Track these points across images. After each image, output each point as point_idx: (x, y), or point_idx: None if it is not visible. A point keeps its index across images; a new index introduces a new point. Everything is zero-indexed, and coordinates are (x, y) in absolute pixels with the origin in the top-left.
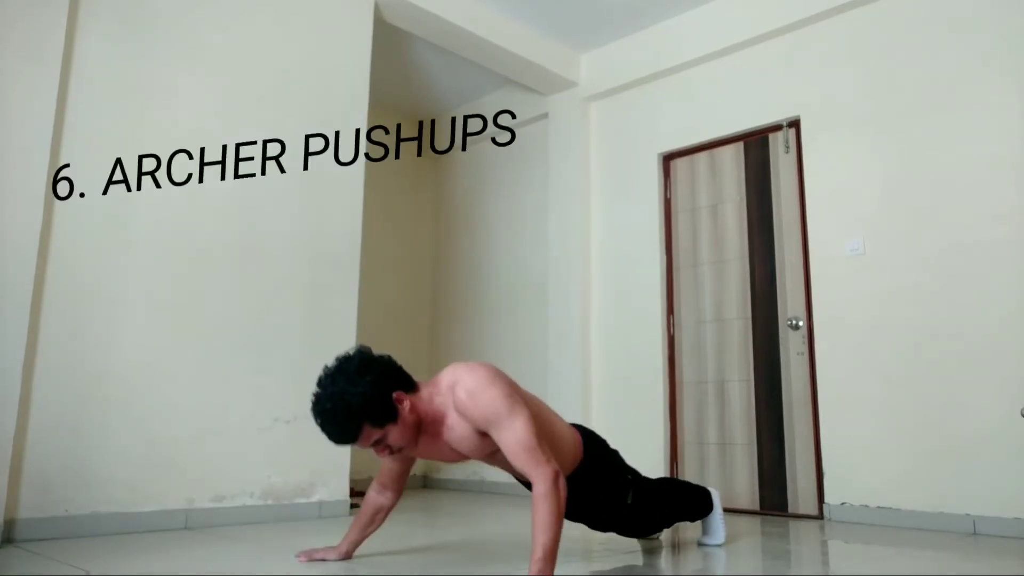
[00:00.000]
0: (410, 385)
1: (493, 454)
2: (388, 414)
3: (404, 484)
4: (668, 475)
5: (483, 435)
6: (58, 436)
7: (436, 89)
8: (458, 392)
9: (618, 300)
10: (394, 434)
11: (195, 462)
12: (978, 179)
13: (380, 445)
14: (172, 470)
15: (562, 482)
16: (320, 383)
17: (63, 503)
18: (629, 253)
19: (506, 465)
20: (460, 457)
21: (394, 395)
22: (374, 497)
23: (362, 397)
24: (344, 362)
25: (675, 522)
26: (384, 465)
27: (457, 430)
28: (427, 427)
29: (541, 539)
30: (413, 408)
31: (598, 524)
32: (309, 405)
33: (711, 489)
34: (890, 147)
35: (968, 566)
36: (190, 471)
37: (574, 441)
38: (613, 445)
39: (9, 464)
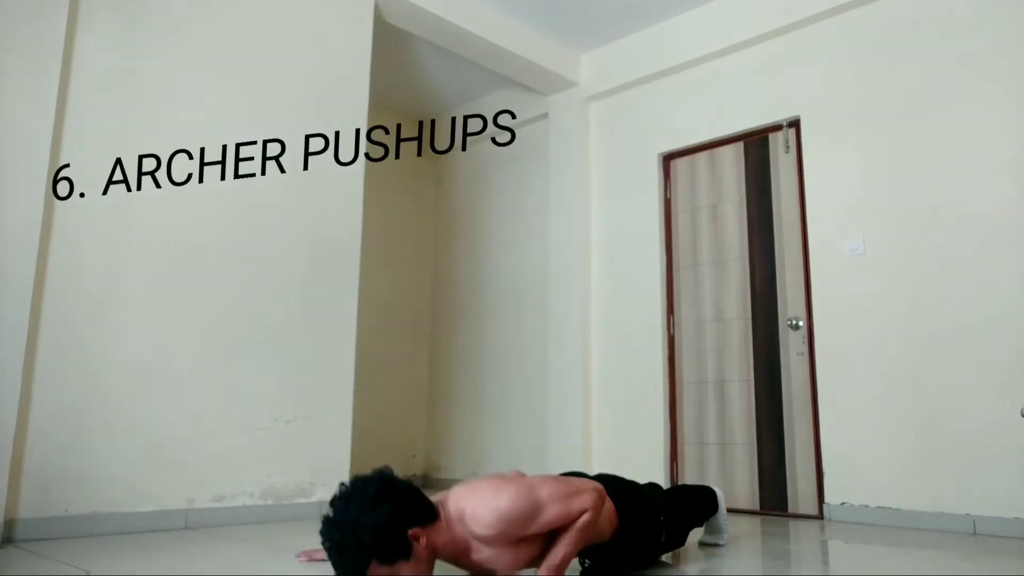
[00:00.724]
0: (429, 516)
1: (533, 562)
2: (401, 551)
3: None
4: (668, 474)
5: (518, 543)
6: (58, 436)
7: (436, 89)
8: (473, 528)
9: (618, 300)
10: (405, 570)
11: (195, 462)
12: (977, 178)
13: None
14: (172, 470)
15: (606, 501)
16: (333, 505)
17: (63, 503)
18: (629, 253)
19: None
20: (512, 571)
21: (410, 532)
22: None
23: (375, 532)
24: (361, 488)
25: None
26: None
27: (486, 552)
28: (446, 554)
29: (565, 549)
30: (429, 543)
31: (635, 567)
32: (310, 410)
33: (716, 489)
34: (890, 147)
35: (968, 566)
36: (190, 471)
37: (608, 506)
38: (613, 445)
39: (9, 464)
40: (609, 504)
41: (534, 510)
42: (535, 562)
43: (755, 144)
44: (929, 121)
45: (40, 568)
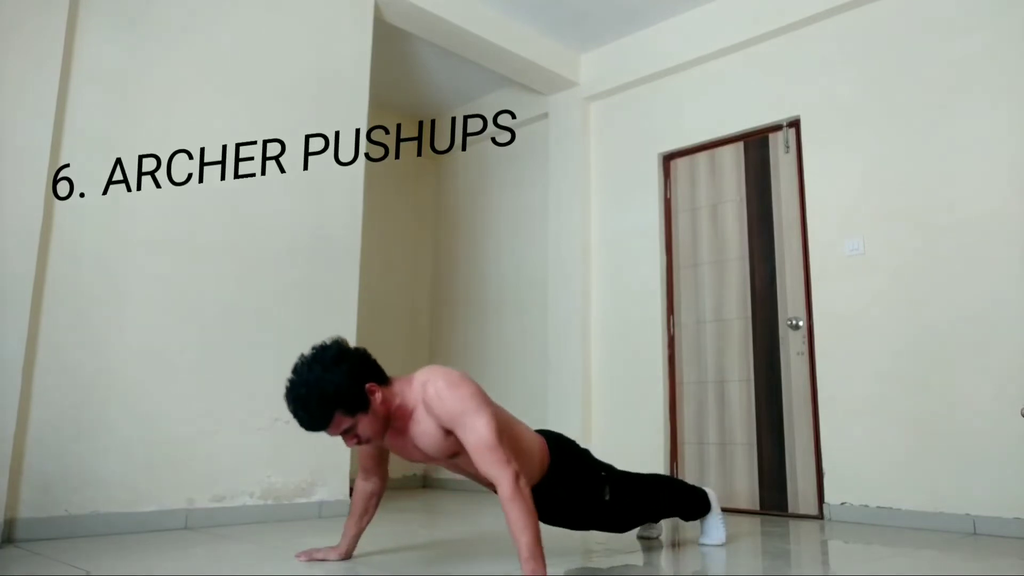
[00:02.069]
0: (383, 378)
1: (454, 456)
2: (360, 403)
3: (387, 469)
4: (667, 474)
5: (447, 434)
6: (58, 436)
7: (436, 89)
8: (428, 389)
9: (618, 300)
10: (364, 424)
11: (195, 462)
12: (977, 178)
13: (349, 434)
14: (172, 470)
15: (523, 481)
16: (296, 370)
17: (63, 503)
18: (629, 253)
19: (466, 469)
20: (424, 457)
21: (367, 386)
22: (361, 485)
23: (336, 386)
24: (321, 351)
25: (664, 517)
26: (362, 451)
27: (422, 424)
28: (395, 421)
29: (522, 539)
30: (384, 400)
31: (578, 524)
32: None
33: (708, 490)
34: (890, 147)
35: (968, 566)
36: (190, 471)
37: (540, 448)
38: (613, 445)
39: (9, 464)
40: (543, 446)
41: (464, 421)
42: (455, 459)
43: (755, 144)
44: (929, 121)
45: (40, 568)
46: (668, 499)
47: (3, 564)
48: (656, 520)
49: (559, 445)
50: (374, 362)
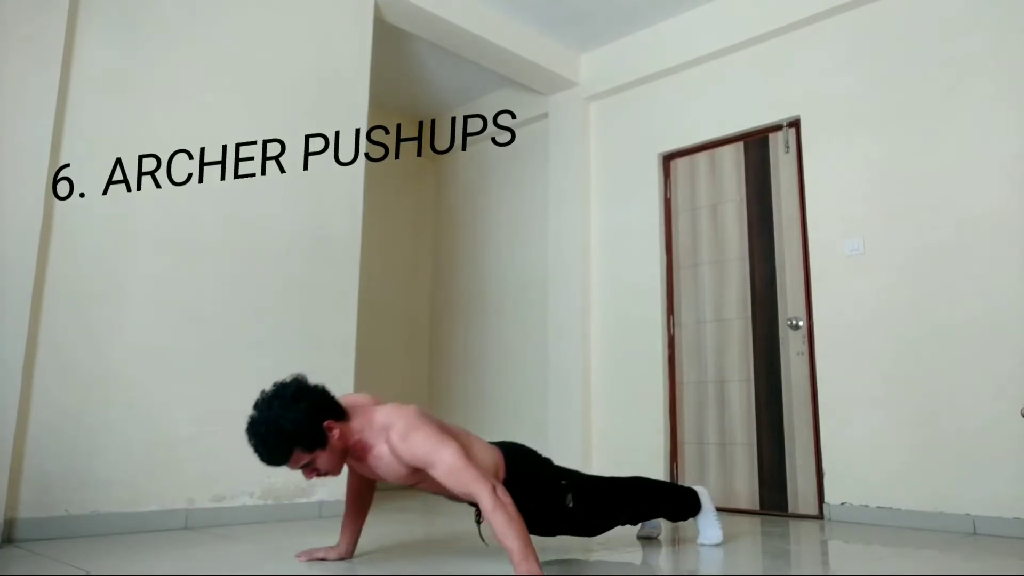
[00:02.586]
0: (341, 414)
1: (414, 484)
2: (318, 440)
3: None
4: (668, 474)
5: (412, 469)
6: (58, 436)
7: (436, 89)
8: (392, 436)
9: (618, 300)
10: (322, 459)
11: (195, 462)
12: (977, 178)
13: (308, 468)
14: (172, 470)
15: (501, 490)
16: (257, 407)
17: (63, 503)
18: (629, 253)
19: (430, 489)
20: (382, 479)
21: (325, 423)
22: (353, 481)
23: (295, 423)
24: (280, 388)
25: (643, 519)
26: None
27: (384, 460)
28: (355, 454)
29: (511, 545)
30: (342, 436)
31: (544, 531)
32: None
33: (699, 488)
34: (890, 147)
35: (968, 566)
36: (190, 471)
37: (494, 461)
38: (613, 445)
39: (9, 464)
40: (498, 459)
41: (429, 460)
42: (417, 485)
43: (755, 144)
44: (929, 121)
45: (40, 568)
46: (643, 501)
47: (3, 564)
48: (634, 522)
49: (515, 457)
50: (333, 399)
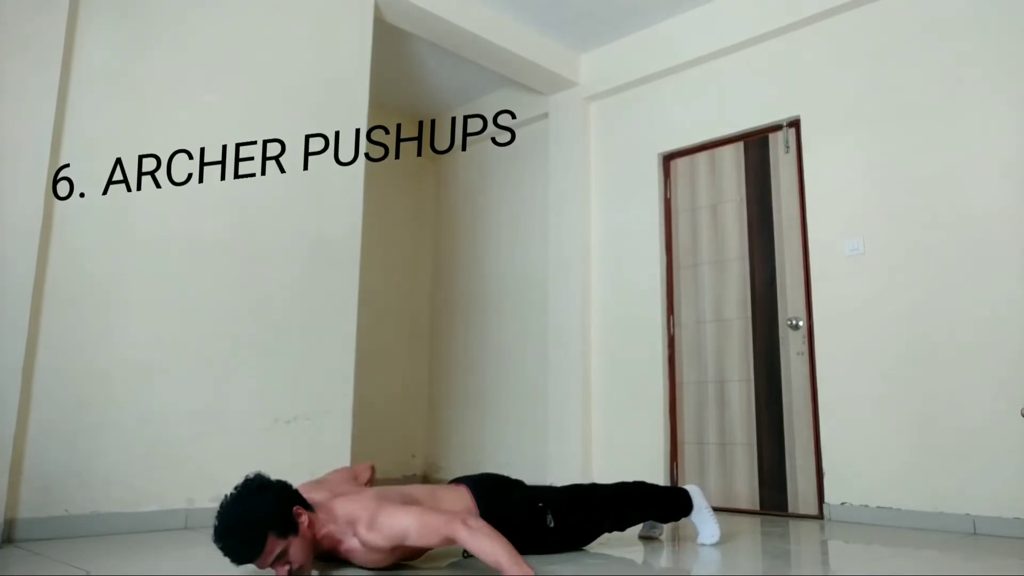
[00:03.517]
0: (307, 504)
1: (398, 559)
2: (289, 525)
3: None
4: (668, 474)
5: (391, 550)
6: (58, 436)
7: (436, 89)
8: (359, 530)
9: (618, 300)
10: (295, 547)
11: (195, 462)
12: (977, 178)
13: (281, 560)
14: (172, 470)
15: (472, 519)
16: (222, 507)
17: (63, 503)
18: (629, 253)
19: (415, 555)
20: (360, 567)
21: (295, 509)
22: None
23: (264, 509)
24: (243, 485)
25: (632, 524)
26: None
27: (359, 553)
28: (325, 545)
29: (499, 559)
30: (311, 525)
31: (529, 550)
32: (310, 410)
33: (690, 488)
34: (890, 147)
35: (968, 566)
36: (190, 471)
37: (464, 504)
38: (613, 445)
39: (9, 464)
40: (466, 499)
41: (403, 515)
42: (389, 562)
43: (755, 144)
44: (929, 121)
45: (40, 568)
46: (626, 506)
47: (3, 564)
48: (622, 528)
49: (483, 490)
50: (296, 491)
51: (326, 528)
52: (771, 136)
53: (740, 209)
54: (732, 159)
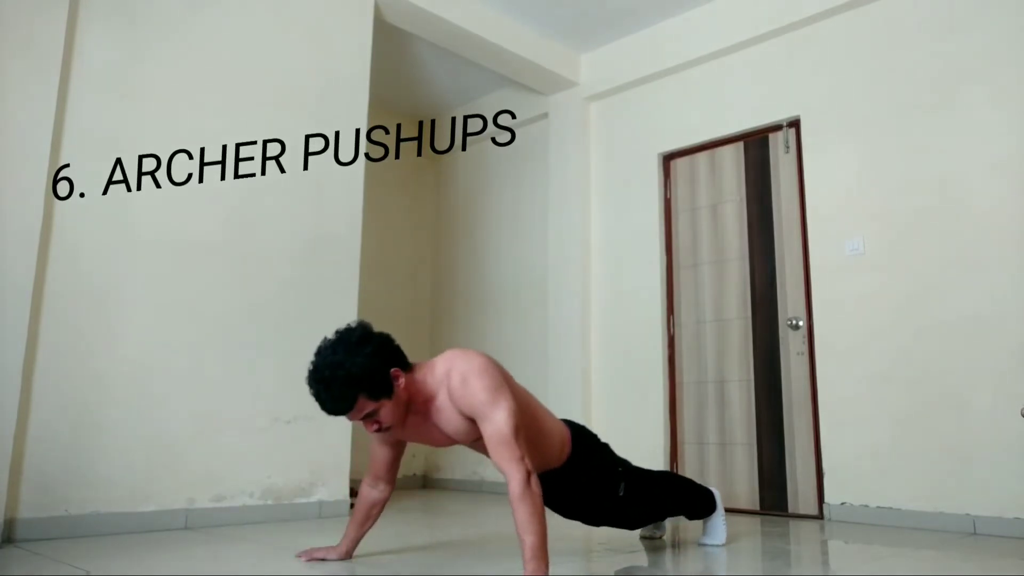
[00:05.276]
0: (406, 364)
1: (478, 440)
2: (384, 388)
3: (396, 475)
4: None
5: (470, 420)
6: (58, 436)
7: (436, 89)
8: (452, 378)
9: (618, 300)
10: (386, 409)
11: (195, 462)
12: (977, 178)
13: (371, 419)
14: (172, 470)
15: (534, 480)
16: (319, 352)
17: (63, 503)
18: (629, 253)
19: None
20: (447, 440)
21: (392, 371)
22: (368, 491)
23: (361, 368)
24: (345, 333)
25: (672, 515)
26: (374, 456)
27: (445, 412)
28: (417, 407)
29: (527, 540)
30: (407, 386)
31: (592, 518)
32: (310, 410)
33: (714, 489)
34: (890, 147)
35: (968, 566)
36: (190, 471)
37: (561, 436)
38: (613, 445)
39: (9, 464)
40: (565, 434)
41: (483, 411)
42: (478, 442)
43: (755, 144)
44: (929, 121)
45: (40, 568)
46: (677, 498)
47: (3, 564)
48: (662, 518)
49: (581, 436)
50: (397, 347)
51: (421, 384)
52: (771, 136)
53: (740, 209)
54: (732, 159)
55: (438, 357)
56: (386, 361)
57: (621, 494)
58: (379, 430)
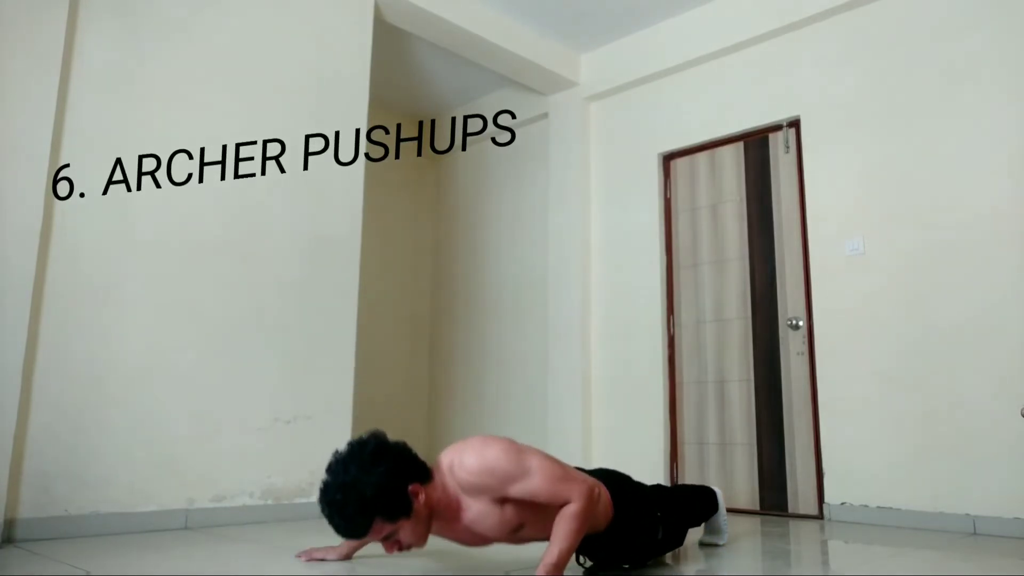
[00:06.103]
0: (425, 475)
1: (519, 529)
2: (402, 508)
3: None
4: (668, 474)
5: (503, 503)
6: (58, 436)
7: (436, 89)
8: (459, 474)
9: (618, 300)
10: (406, 530)
11: (195, 462)
12: (977, 178)
13: (390, 540)
14: (172, 470)
15: (599, 491)
16: (330, 470)
17: (63, 503)
18: (629, 253)
19: (536, 536)
20: (481, 540)
21: (410, 488)
22: None
23: (376, 488)
24: (357, 448)
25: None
26: None
27: (474, 509)
28: (442, 514)
29: (560, 545)
30: (427, 501)
31: (634, 562)
32: (310, 410)
33: (716, 488)
34: (890, 147)
35: (968, 566)
36: (190, 471)
37: (605, 500)
38: (613, 445)
39: (9, 464)
40: (605, 495)
41: (519, 471)
42: (519, 532)
43: (755, 144)
44: (929, 121)
45: (40, 568)
46: (697, 514)
47: (3, 564)
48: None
49: (620, 489)
50: (414, 456)
51: (446, 491)
52: (771, 136)
53: (740, 209)
54: (732, 159)
55: (440, 455)
56: (403, 477)
57: (659, 537)
58: (399, 550)
